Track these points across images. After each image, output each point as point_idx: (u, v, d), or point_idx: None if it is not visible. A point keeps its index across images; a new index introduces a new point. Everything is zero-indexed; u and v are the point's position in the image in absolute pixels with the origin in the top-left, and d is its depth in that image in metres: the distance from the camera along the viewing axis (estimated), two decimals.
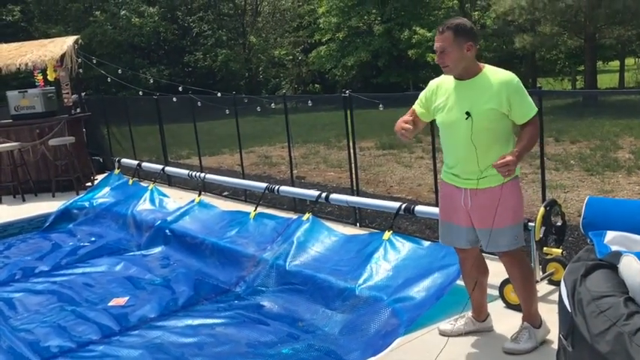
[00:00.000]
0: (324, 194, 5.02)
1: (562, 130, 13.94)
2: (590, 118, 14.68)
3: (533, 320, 3.19)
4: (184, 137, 9.77)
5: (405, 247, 4.23)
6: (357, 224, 5.80)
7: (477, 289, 3.37)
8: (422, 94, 3.30)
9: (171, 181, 8.63)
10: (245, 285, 4.68)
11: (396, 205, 4.52)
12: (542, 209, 3.58)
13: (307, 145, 14.41)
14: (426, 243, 4.23)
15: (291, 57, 29.73)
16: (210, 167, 10.89)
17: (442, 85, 3.19)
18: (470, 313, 3.49)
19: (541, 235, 3.55)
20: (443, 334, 3.44)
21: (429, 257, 4.03)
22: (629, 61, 30.12)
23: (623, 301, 2.03)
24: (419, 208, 4.39)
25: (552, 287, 3.92)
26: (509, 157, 2.89)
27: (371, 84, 26.67)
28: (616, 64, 30.43)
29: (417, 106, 3.34)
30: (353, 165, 5.88)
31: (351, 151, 5.85)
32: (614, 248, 2.37)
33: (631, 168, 8.79)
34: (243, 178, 7.32)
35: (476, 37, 3.01)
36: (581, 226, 2.67)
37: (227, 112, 7.01)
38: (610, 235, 2.49)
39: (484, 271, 3.45)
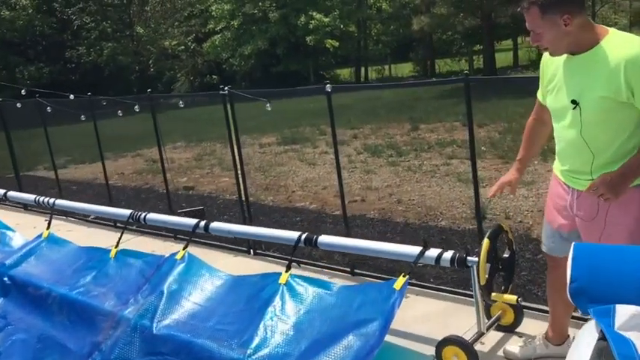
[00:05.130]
0: (202, 223, 3.90)
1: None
2: (494, 99, 14.38)
3: None
4: (56, 144, 8.28)
5: (308, 293, 3.22)
6: (251, 251, 4.73)
7: (562, 305, 2.72)
8: (540, 72, 2.55)
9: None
10: (100, 357, 3.49)
11: (293, 235, 3.49)
12: (486, 242, 2.67)
13: (203, 144, 13.15)
14: (336, 285, 3.24)
15: (183, 47, 27.97)
16: (80, 181, 9.43)
17: (553, 60, 2.40)
18: (544, 334, 2.85)
19: (487, 276, 2.64)
20: (508, 356, 2.85)
21: (341, 308, 3.04)
22: (520, 39, 30.83)
23: None
24: (324, 239, 3.39)
25: (502, 334, 3.05)
26: (599, 180, 2.22)
27: (271, 73, 25.58)
28: (509, 42, 31.07)
29: (539, 91, 2.58)
30: (240, 178, 4.78)
31: (237, 162, 4.75)
32: (636, 341, 1.45)
33: (545, 153, 8.25)
34: (110, 198, 6.03)
35: (574, 4, 2.17)
36: (568, 293, 1.74)
37: (82, 117, 5.71)
38: (622, 313, 1.56)
39: None
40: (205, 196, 7.40)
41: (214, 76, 29.09)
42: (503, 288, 2.85)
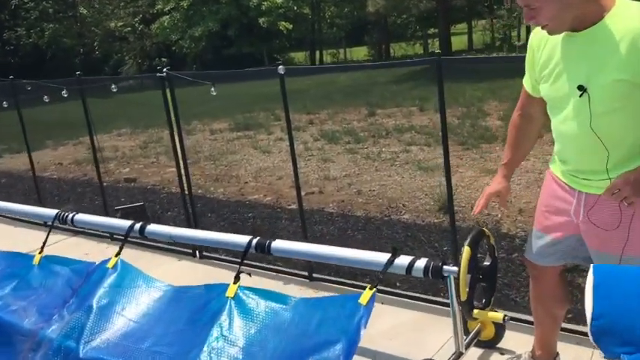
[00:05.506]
0: (137, 226, 3.40)
1: (425, 97, 13.25)
2: (449, 82, 14.12)
3: None
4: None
5: (260, 308, 2.78)
6: (196, 254, 4.25)
7: (549, 321, 2.40)
8: (527, 55, 2.11)
9: None
10: None
11: (243, 240, 3.03)
12: (466, 250, 2.28)
13: (150, 130, 12.46)
14: (293, 298, 2.81)
15: (130, 29, 26.83)
16: (13, 172, 8.67)
17: (547, 39, 1.99)
18: (530, 353, 2.51)
19: (467, 290, 2.26)
20: None
21: (298, 326, 2.62)
22: (474, 23, 30.86)
23: None
24: (278, 244, 2.94)
25: (482, 351, 2.69)
26: (621, 180, 1.85)
27: (223, 55, 24.80)
28: (463, 26, 31.06)
29: (526, 79, 2.16)
30: (183, 173, 4.29)
31: (179, 153, 4.26)
32: None
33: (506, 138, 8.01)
34: (38, 194, 5.42)
35: None
36: (590, 334, 1.36)
37: (5, 104, 5.06)
38: None
39: (564, 301, 2.38)
40: (149, 189, 6.84)
41: (163, 59, 28.06)
42: (484, 301, 2.49)
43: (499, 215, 4.90)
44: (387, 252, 2.65)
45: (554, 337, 2.46)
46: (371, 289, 2.52)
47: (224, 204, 5.81)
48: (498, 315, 2.36)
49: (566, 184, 2.08)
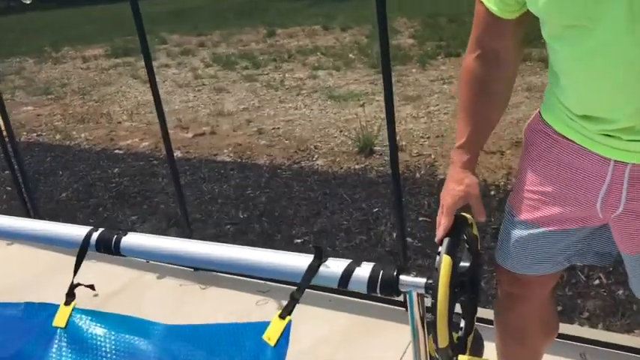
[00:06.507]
0: None
1: (330, 15, 12.10)
2: None
3: None
4: None
5: (106, 344, 1.73)
6: None
7: (530, 353, 1.54)
8: None
9: None
10: None
11: (79, 234, 1.89)
12: (445, 262, 1.28)
13: (10, 59, 10.57)
14: (157, 326, 1.75)
15: None
16: None
17: None
18: None
19: (448, 332, 1.32)
20: None
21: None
22: None
23: None
24: (133, 239, 1.83)
25: None
26: None
27: None
28: None
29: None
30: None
31: None
32: None
33: (422, 59, 7.16)
34: None
35: None
36: None
37: None
38: None
39: (555, 326, 1.54)
40: None
41: None
42: (462, 323, 1.56)
43: (432, 156, 4.03)
44: (308, 253, 1.63)
45: None
46: (282, 317, 1.51)
47: (83, 156, 4.53)
48: None
49: (590, 152, 1.15)
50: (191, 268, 2.68)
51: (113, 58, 9.51)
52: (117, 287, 2.57)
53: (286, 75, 7.15)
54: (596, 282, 2.34)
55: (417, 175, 3.68)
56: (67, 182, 3.94)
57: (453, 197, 1.25)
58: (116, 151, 4.60)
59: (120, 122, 5.53)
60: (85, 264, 2.28)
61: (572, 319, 2.16)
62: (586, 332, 2.04)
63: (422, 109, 5.16)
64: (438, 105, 5.26)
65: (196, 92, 6.67)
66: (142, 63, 3.61)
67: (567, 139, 1.18)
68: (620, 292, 2.26)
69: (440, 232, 1.24)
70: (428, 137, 4.44)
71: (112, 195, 3.62)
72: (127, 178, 3.89)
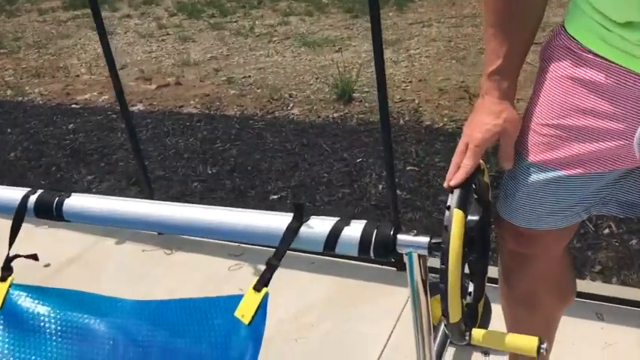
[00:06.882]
0: None
1: None
2: None
3: None
4: None
5: (52, 324, 1.45)
6: None
7: (542, 320, 1.28)
8: None
9: None
10: None
11: (14, 197, 1.59)
12: (456, 220, 1.04)
13: None
14: (115, 299, 1.48)
15: None
16: None
17: None
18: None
19: (460, 304, 1.08)
20: None
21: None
22: None
23: None
24: (77, 201, 1.53)
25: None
26: None
27: None
28: None
29: None
30: None
31: None
32: None
33: (400, 1, 6.78)
34: None
35: None
36: None
37: None
38: None
39: (572, 290, 1.29)
40: None
41: None
42: (471, 287, 1.31)
43: (416, 101, 3.74)
44: (286, 212, 1.34)
45: (551, 336, 1.38)
46: (257, 290, 1.23)
47: (36, 112, 4.14)
48: (530, 342, 1.18)
49: (630, 71, 0.88)
50: (156, 230, 2.40)
51: (72, 10, 8.92)
52: (71, 255, 2.27)
53: (256, 22, 6.73)
54: (606, 231, 2.11)
55: (401, 121, 3.40)
56: (17, 140, 3.57)
57: (486, 133, 0.98)
58: (73, 105, 4.22)
59: (78, 75, 5.11)
60: (33, 231, 1.96)
61: (582, 274, 1.93)
62: (600, 288, 1.82)
63: (402, 53, 4.84)
64: (418, 48, 4.94)
65: (160, 42, 6.23)
66: (103, 14, 3.22)
67: (600, 56, 0.90)
68: (634, 241, 2.03)
69: (460, 175, 0.97)
70: (410, 82, 4.14)
71: (66, 153, 3.28)
72: (83, 134, 3.53)
